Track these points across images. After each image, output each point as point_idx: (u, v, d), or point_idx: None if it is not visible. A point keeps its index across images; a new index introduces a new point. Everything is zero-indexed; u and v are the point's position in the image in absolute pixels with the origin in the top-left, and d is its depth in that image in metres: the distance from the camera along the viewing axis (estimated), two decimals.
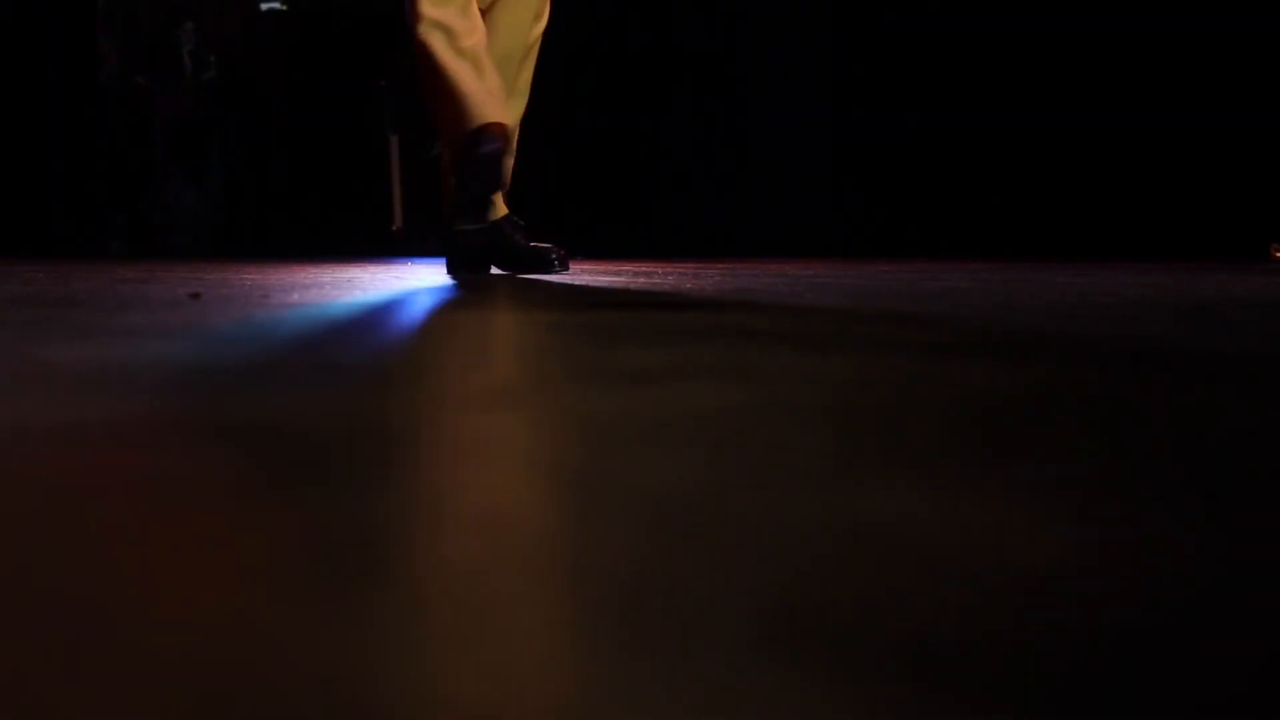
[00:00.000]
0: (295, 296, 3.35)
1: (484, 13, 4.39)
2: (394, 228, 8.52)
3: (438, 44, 4.23)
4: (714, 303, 3.17)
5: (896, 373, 1.80)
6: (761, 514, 0.93)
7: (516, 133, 4.40)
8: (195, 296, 3.33)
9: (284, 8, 8.75)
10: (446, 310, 3.18)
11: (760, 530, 0.88)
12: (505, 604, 0.72)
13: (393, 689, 0.59)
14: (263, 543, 0.85)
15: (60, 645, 0.64)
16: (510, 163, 4.30)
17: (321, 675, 0.60)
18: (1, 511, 0.94)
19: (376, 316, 2.89)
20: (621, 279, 4.29)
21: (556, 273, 4.35)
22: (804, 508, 0.95)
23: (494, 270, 4.42)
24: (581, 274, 4.56)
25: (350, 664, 0.62)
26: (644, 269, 5.21)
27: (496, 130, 4.19)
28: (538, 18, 4.51)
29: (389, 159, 8.59)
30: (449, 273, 4.36)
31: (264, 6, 8.95)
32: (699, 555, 0.81)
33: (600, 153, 8.71)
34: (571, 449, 1.20)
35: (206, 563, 0.80)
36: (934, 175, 8.05)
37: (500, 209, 4.41)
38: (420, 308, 3.24)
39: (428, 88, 4.29)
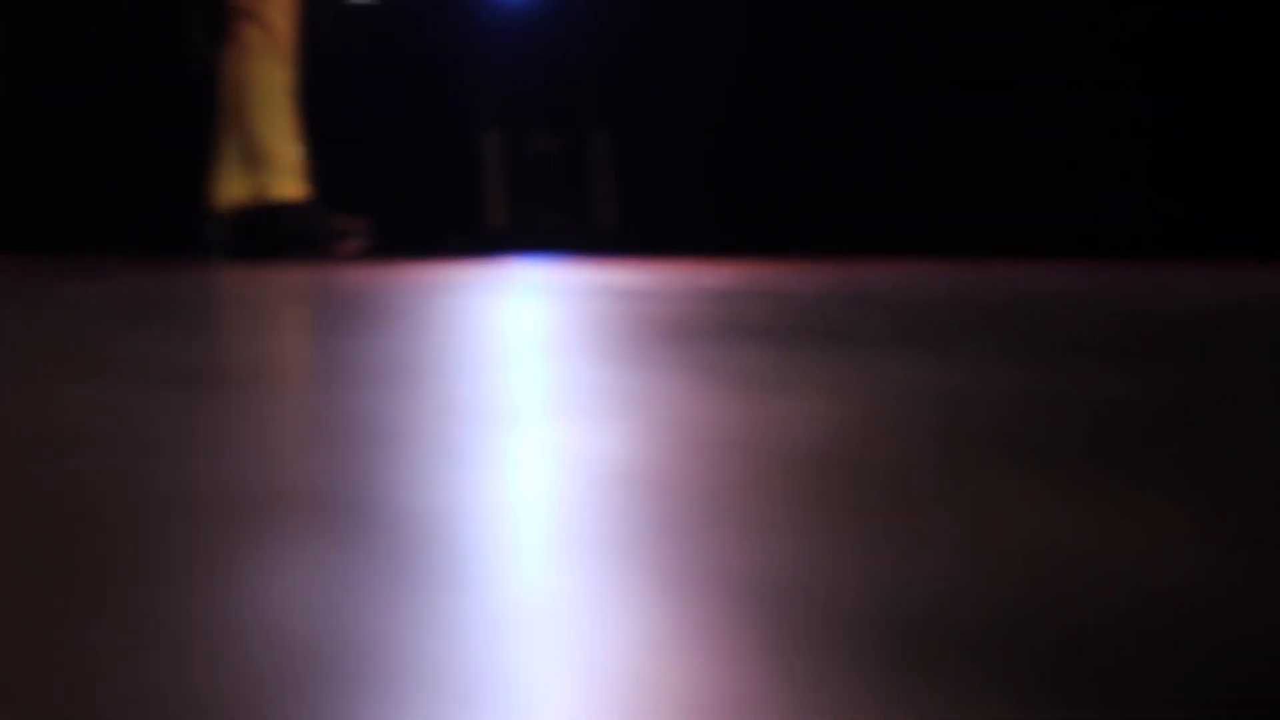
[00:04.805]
0: (395, 294, 3.35)
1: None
2: (491, 224, 8.55)
3: None
4: (822, 301, 3.15)
5: (1016, 378, 1.78)
6: (886, 524, 0.91)
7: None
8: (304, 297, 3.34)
9: (374, 1, 8.79)
10: (548, 305, 3.17)
11: (887, 540, 0.86)
12: (629, 614, 0.70)
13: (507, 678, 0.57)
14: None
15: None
16: None
17: None
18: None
19: (473, 313, 2.88)
20: (727, 277, 4.28)
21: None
22: (930, 519, 0.93)
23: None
24: (689, 270, 4.55)
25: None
26: (752, 265, 5.19)
27: None
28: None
29: (486, 155, 8.61)
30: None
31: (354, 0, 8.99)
32: (827, 565, 0.80)
33: (711, 147, 8.69)
34: (675, 459, 1.17)
35: None
36: (1060, 171, 7.96)
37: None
38: (518, 303, 3.23)
39: None
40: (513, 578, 0.80)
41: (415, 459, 1.16)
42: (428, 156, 8.85)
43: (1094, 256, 6.68)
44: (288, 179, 5.41)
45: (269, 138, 5.37)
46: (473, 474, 1.11)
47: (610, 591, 0.76)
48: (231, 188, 5.45)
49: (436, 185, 8.79)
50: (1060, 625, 0.69)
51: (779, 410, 1.44)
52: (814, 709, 0.57)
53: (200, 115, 6.47)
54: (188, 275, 4.57)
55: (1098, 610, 0.72)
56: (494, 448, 1.24)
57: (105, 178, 8.47)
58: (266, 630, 0.68)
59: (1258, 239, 7.03)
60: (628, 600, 0.74)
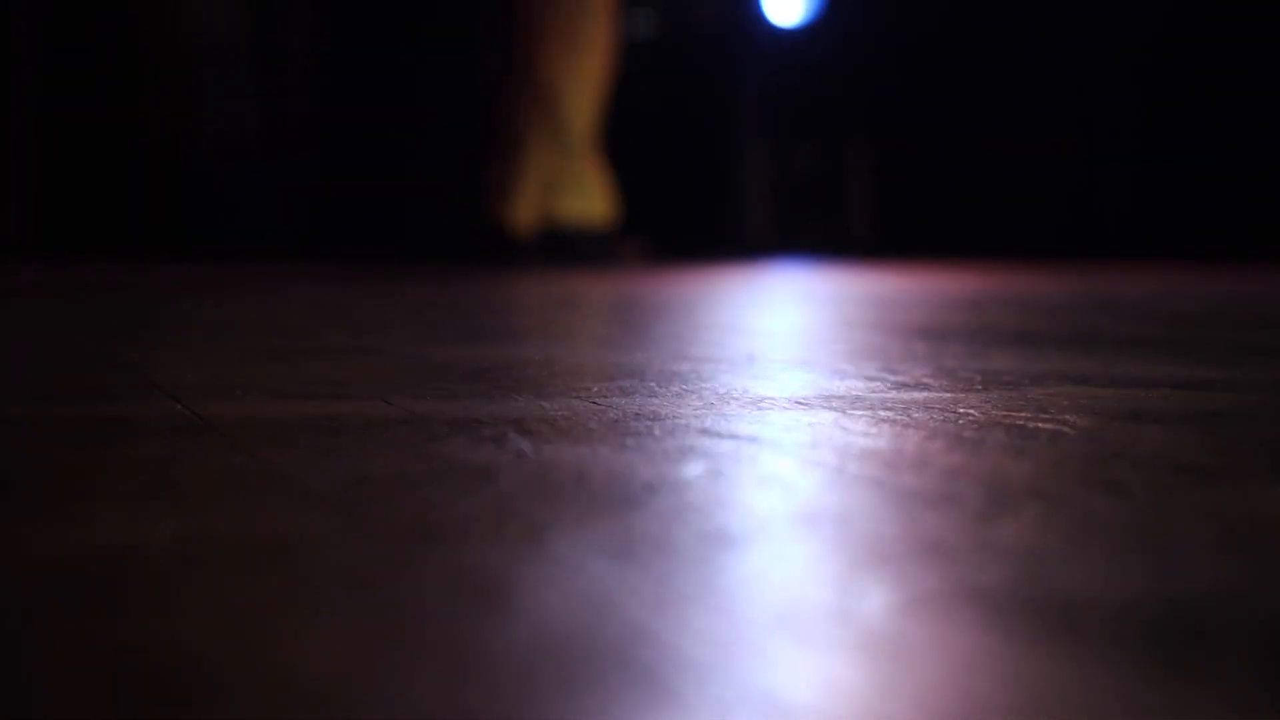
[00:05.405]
0: (664, 297, 3.38)
1: None
2: (746, 234, 8.55)
3: None
4: (1070, 308, 3.11)
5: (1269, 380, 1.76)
6: (1143, 515, 0.93)
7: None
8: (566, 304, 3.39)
9: (655, 36, 8.83)
10: (809, 310, 3.18)
11: (1143, 530, 0.88)
12: (880, 609, 0.74)
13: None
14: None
15: None
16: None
17: None
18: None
19: (740, 316, 2.89)
20: (977, 284, 4.23)
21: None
22: (1187, 509, 0.94)
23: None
24: (940, 277, 4.50)
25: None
26: (999, 272, 5.12)
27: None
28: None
29: (743, 168, 8.61)
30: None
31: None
32: (1085, 558, 0.81)
33: (961, 159, 8.60)
34: (939, 450, 1.20)
35: None
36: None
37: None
38: (782, 308, 3.24)
39: None
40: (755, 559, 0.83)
41: (683, 443, 1.20)
42: (697, 169, 8.86)
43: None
44: (595, 198, 5.48)
45: (580, 121, 5.38)
46: (739, 449, 1.14)
47: (857, 575, 0.79)
48: (530, 206, 5.57)
49: (704, 195, 8.81)
50: None
51: (1017, 403, 1.45)
52: (1064, 710, 0.55)
53: (485, 130, 6.55)
54: (490, 283, 4.63)
55: None
56: (755, 433, 1.27)
57: (399, 189, 8.61)
58: (545, 617, 0.73)
59: None
60: (863, 585, 0.77)
